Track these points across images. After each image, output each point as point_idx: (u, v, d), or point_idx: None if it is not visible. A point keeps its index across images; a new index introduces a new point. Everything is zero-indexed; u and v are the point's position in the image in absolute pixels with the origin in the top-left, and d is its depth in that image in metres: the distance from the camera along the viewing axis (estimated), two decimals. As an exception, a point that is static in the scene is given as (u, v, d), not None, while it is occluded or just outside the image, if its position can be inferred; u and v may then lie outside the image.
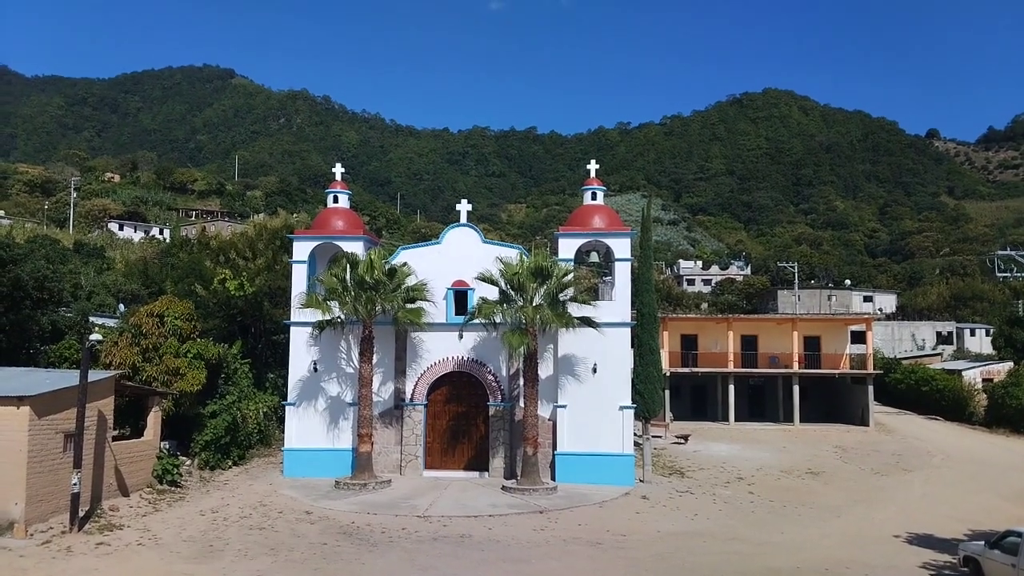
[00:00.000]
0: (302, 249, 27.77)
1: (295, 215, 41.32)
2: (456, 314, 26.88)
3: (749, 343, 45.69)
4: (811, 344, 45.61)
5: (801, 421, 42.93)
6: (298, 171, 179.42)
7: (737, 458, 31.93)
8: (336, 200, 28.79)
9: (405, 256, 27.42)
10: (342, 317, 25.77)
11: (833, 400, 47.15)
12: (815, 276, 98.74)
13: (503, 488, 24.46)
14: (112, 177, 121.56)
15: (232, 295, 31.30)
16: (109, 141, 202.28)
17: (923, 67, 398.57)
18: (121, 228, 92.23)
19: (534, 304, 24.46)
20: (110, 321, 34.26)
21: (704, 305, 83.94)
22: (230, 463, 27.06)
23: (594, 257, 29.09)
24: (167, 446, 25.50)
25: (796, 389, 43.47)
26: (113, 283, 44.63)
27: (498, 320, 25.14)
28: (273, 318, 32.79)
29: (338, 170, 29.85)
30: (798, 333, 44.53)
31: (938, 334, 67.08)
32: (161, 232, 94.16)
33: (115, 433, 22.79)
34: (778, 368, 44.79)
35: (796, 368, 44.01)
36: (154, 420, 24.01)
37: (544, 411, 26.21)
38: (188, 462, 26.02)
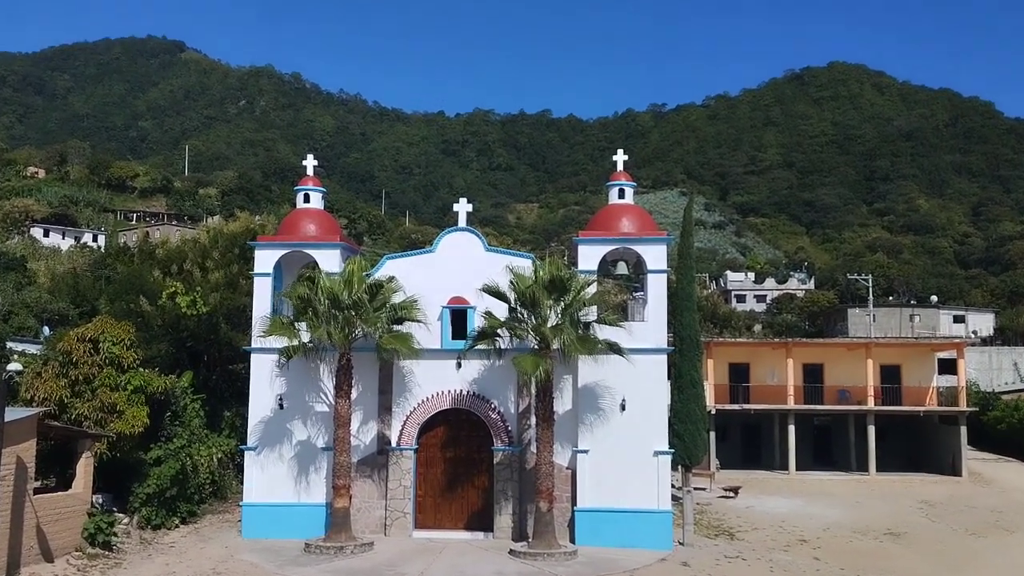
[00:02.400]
0: (266, 259, 27.89)
1: (258, 217, 41.47)
2: (453, 338, 26.88)
3: (813, 374, 45.52)
4: (889, 375, 45.43)
5: (878, 470, 42.73)
6: (261, 164, 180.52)
7: (799, 515, 31.71)
8: (307, 199, 28.95)
9: (391, 267, 27.51)
10: (314, 343, 25.81)
11: (917, 444, 46.84)
12: (893, 291, 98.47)
13: (511, 552, 24.38)
14: (36, 172, 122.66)
15: (184, 313, 31.41)
16: (33, 128, 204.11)
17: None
18: (46, 234, 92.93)
19: (550, 324, 24.46)
20: (32, 347, 34.48)
21: (757, 327, 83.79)
22: (177, 521, 26.99)
23: (622, 268, 29.10)
24: (100, 500, 25.48)
25: (871, 430, 43.27)
26: (36, 301, 44.96)
27: (505, 346, 25.15)
28: (231, 343, 32.85)
29: (310, 163, 30.00)
30: (873, 361, 44.35)
31: (1047, 362, 66.64)
32: (95, 239, 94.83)
33: (37, 484, 22.80)
34: (849, 404, 44.58)
35: (871, 404, 43.80)
36: (85, 468, 24.04)
37: (561, 457, 26.12)
38: (126, 520, 25.99)
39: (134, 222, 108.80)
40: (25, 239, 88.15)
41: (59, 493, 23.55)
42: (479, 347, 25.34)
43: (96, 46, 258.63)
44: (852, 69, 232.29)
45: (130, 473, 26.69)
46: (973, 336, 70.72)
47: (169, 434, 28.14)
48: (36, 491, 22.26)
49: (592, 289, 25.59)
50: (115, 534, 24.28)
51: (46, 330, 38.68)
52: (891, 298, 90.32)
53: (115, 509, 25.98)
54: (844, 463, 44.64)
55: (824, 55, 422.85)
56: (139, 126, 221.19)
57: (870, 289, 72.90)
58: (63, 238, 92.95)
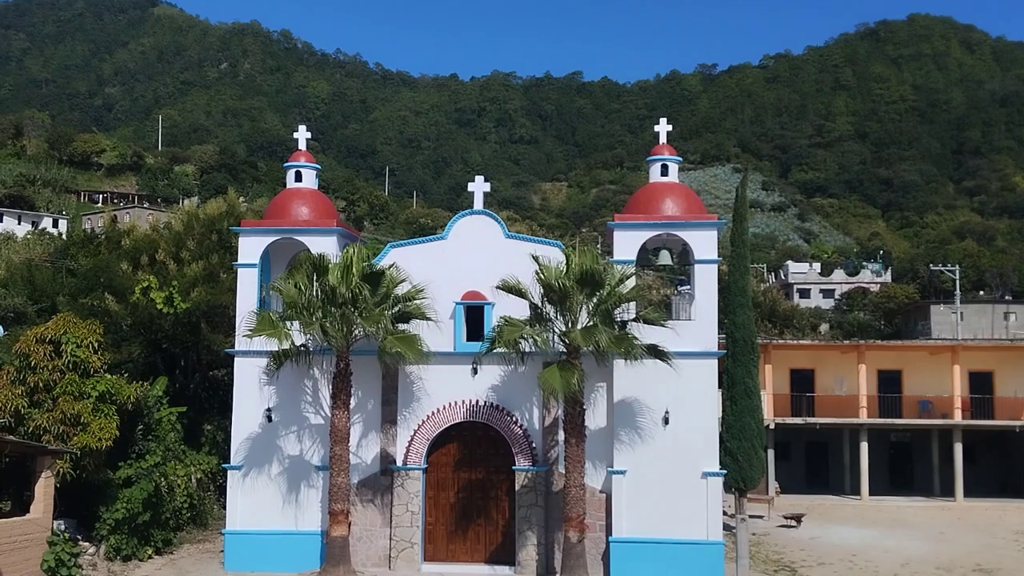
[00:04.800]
0: (251, 247, 27.97)
1: (242, 199, 41.76)
2: (468, 339, 26.90)
3: (890, 382, 45.28)
4: (980, 383, 45.10)
5: (966, 495, 42.47)
6: (246, 137, 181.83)
7: (873, 548, 31.60)
8: (299, 178, 29.03)
9: (396, 256, 27.55)
10: (307, 345, 25.92)
11: (1012, 465, 46.48)
12: (985, 285, 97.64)
13: (536, 589, 24.39)
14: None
15: (159, 311, 31.61)
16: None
17: None
18: None
19: (582, 325, 24.44)
20: (-16, 350, 34.73)
21: (824, 327, 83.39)
22: (150, 551, 27.18)
23: (665, 258, 29.00)
24: (63, 527, 25.70)
25: (958, 448, 42.99)
26: (-12, 296, 45.27)
27: (528, 349, 25.16)
28: (212, 346, 33.05)
29: (302, 135, 30.08)
30: (961, 367, 44.04)
31: None
32: (55, 224, 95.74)
33: (-10, 507, 23.07)
34: (932, 418, 44.28)
35: (958, 418, 43.49)
36: (45, 490, 24.24)
37: (594, 479, 26.10)
38: (92, 549, 26.21)
39: (100, 204, 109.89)
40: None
41: (14, 519, 23.72)
42: (498, 350, 25.35)
43: (56, 1, 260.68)
44: (936, 23, 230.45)
45: (96, 495, 26.88)
46: (1080, 338, 69.92)
47: (141, 450, 28.36)
48: (-11, 515, 22.52)
49: (631, 282, 25.52)
50: (79, 566, 24.48)
51: (0, 330, 39.01)
52: (982, 293, 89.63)
53: (79, 537, 26.20)
54: (926, 487, 44.40)
55: (903, 6, 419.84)
56: (105, 93, 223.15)
57: (957, 282, 72.26)
58: (19, 223, 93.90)
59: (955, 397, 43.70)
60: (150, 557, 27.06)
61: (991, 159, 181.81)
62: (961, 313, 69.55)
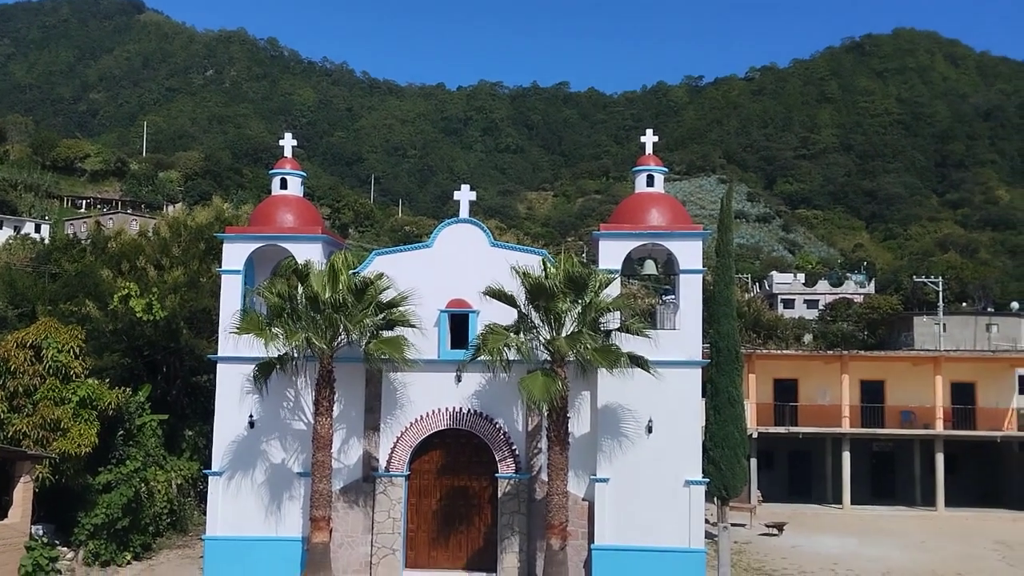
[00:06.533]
0: (235, 253, 27.94)
1: (226, 205, 41.63)
2: (452, 347, 26.91)
3: (872, 392, 45.42)
4: (962, 394, 45.30)
5: (947, 505, 42.62)
6: (231, 143, 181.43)
7: (855, 558, 31.70)
8: (284, 185, 29.03)
9: (381, 264, 27.57)
10: (293, 352, 25.87)
11: (993, 475, 46.67)
12: (968, 296, 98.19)
13: (517, 597, 24.39)
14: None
15: (139, 318, 31.56)
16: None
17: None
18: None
19: (566, 333, 24.49)
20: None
21: (808, 337, 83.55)
22: (129, 557, 27.12)
23: (650, 268, 29.09)
24: (41, 531, 25.59)
25: (940, 458, 43.14)
26: (-31, 300, 45.02)
27: (513, 356, 25.19)
28: (194, 351, 32.99)
29: (288, 142, 30.11)
30: (943, 378, 44.25)
31: None
32: (38, 229, 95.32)
33: (-31, 512, 22.94)
34: (914, 428, 44.44)
35: (940, 428, 43.67)
36: (23, 495, 24.13)
37: (577, 487, 26.14)
38: (70, 555, 26.10)
39: (84, 210, 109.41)
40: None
41: (-7, 523, 23.67)
42: (482, 358, 25.36)
43: (41, 6, 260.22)
44: (921, 37, 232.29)
45: (76, 501, 26.80)
46: (1061, 350, 70.30)
47: (121, 456, 28.27)
48: (-33, 520, 22.39)
49: (614, 289, 25.59)
50: (57, 571, 24.39)
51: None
52: (965, 304, 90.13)
53: (58, 542, 26.09)
54: (907, 496, 44.51)
55: (889, 20, 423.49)
56: (90, 99, 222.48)
57: (940, 294, 72.67)
58: (0, 228, 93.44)
59: (937, 407, 43.84)
60: (129, 562, 27.02)
61: (974, 172, 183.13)
62: (944, 324, 69.82)
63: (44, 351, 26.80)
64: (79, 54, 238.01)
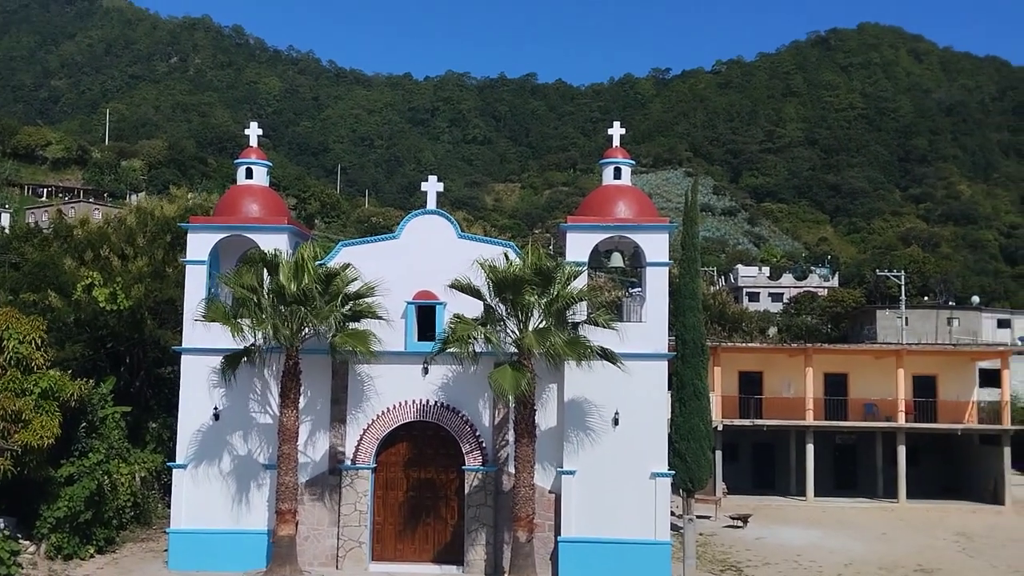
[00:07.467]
0: (200, 244, 27.73)
1: (190, 195, 41.30)
2: (420, 339, 26.88)
3: (836, 385, 45.84)
4: (924, 387, 45.82)
5: (909, 496, 43.12)
6: (196, 132, 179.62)
7: (817, 548, 32.00)
8: (250, 175, 28.82)
9: (348, 255, 27.45)
10: (258, 343, 25.74)
11: (954, 467, 47.31)
12: (929, 290, 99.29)
13: (484, 589, 24.43)
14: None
15: (102, 308, 31.25)
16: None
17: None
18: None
19: (534, 327, 24.51)
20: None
21: (772, 330, 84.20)
22: (92, 550, 26.87)
23: (617, 260, 29.20)
24: (2, 525, 25.29)
25: (902, 451, 43.64)
26: (-73, 290, 44.41)
27: (480, 349, 25.19)
28: (159, 343, 32.73)
29: (253, 132, 29.88)
30: (905, 371, 44.75)
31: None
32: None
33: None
34: (877, 420, 44.91)
35: (902, 421, 44.15)
36: (-16, 487, 23.85)
37: (543, 479, 26.19)
38: (32, 548, 25.83)
39: (45, 198, 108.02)
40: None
41: (-47, 516, 23.38)
42: (450, 350, 25.34)
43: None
44: (885, 32, 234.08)
45: (38, 493, 26.51)
46: (1020, 343, 71.42)
47: (84, 448, 27.98)
48: (-74, 514, 22.11)
49: (581, 281, 25.64)
50: (19, 565, 24.12)
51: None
52: (927, 298, 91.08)
53: (19, 536, 25.81)
54: (870, 488, 44.98)
55: (853, 15, 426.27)
56: (51, 85, 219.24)
57: (902, 288, 73.48)
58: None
59: (899, 400, 44.31)
60: (92, 556, 26.78)
61: (937, 167, 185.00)
62: (906, 318, 70.70)
63: (5, 342, 26.45)
64: (40, 40, 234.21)
